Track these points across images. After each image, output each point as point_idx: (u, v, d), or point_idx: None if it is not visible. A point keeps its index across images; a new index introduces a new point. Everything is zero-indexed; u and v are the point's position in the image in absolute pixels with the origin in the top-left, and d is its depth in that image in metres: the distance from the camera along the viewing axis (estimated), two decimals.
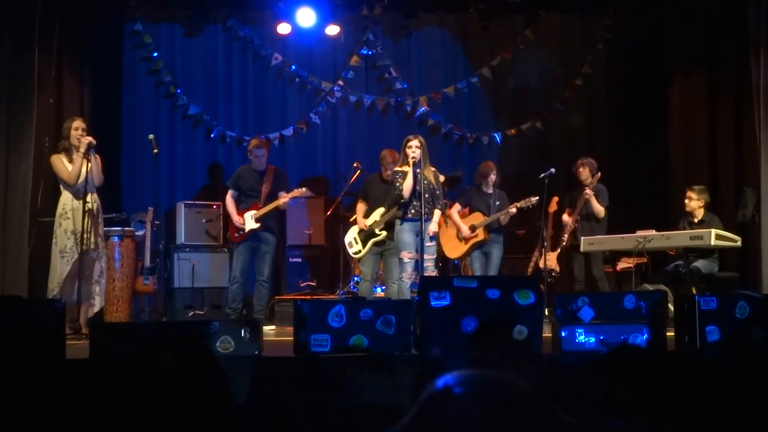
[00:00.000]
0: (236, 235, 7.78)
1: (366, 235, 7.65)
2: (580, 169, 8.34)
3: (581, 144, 9.87)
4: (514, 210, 7.88)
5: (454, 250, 8.14)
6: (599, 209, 8.13)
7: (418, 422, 1.30)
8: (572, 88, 10.01)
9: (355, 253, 7.79)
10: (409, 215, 7.14)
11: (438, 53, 10.08)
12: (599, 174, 8.15)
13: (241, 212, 7.75)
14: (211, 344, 4.46)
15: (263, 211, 7.69)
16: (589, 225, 8.22)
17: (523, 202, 7.94)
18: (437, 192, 7.29)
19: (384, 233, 7.58)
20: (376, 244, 7.62)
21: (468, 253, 8.11)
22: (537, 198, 7.95)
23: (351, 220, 8.34)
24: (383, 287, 7.99)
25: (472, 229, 7.98)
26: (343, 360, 4.40)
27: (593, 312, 5.00)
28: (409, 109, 9.92)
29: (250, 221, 7.68)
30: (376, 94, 9.90)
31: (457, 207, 8.16)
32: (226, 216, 8.15)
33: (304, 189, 8.14)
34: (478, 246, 8.05)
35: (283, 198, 7.76)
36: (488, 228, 8.00)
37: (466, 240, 8.01)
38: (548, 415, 1.29)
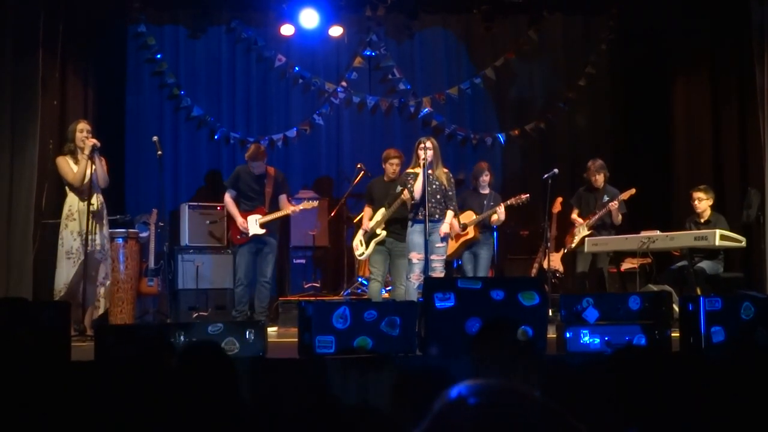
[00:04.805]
0: (238, 237, 7.69)
1: (369, 236, 7.64)
2: (598, 175, 8.21)
3: (585, 144, 9.87)
4: (501, 209, 7.77)
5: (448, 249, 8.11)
6: (619, 219, 8.07)
7: None
8: (576, 88, 10.01)
9: (360, 255, 7.78)
10: (420, 216, 7.13)
11: (441, 54, 10.08)
12: (633, 190, 7.98)
13: (243, 214, 7.66)
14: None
15: (270, 218, 7.63)
16: (606, 232, 8.14)
17: (513, 199, 7.87)
18: (449, 193, 7.28)
19: (384, 233, 7.53)
20: (378, 243, 7.59)
21: (458, 252, 8.05)
22: (527, 195, 7.88)
23: (355, 221, 8.33)
24: (388, 288, 7.98)
25: (463, 227, 7.94)
26: (348, 361, 4.40)
27: (598, 313, 5.00)
28: (412, 110, 9.93)
29: (254, 226, 7.58)
30: (379, 95, 9.90)
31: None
32: (229, 216, 8.03)
33: (316, 203, 8.16)
34: (468, 246, 7.99)
35: (293, 208, 7.74)
36: (479, 227, 7.95)
37: (456, 238, 7.98)
38: (563, 426, 1.28)
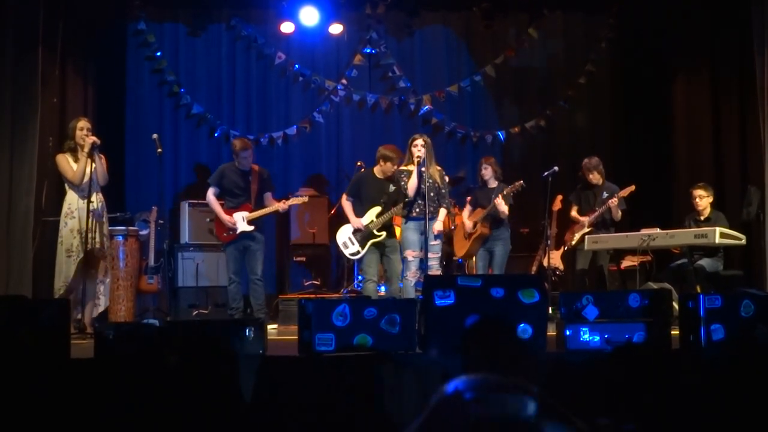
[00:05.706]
0: (225, 234, 7.57)
1: (363, 236, 7.37)
2: (592, 174, 8.22)
3: (585, 142, 9.86)
4: (500, 199, 7.67)
5: (461, 248, 8.12)
6: (619, 215, 8.05)
7: (428, 427, 1.30)
8: (576, 86, 10.01)
9: (352, 254, 7.49)
10: (414, 214, 7.13)
11: (441, 52, 10.07)
12: (633, 187, 7.96)
13: (229, 211, 7.55)
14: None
15: (259, 214, 7.54)
16: (606, 229, 8.13)
17: (508, 188, 7.81)
18: (443, 191, 7.28)
19: (383, 233, 7.34)
20: (374, 244, 7.40)
21: (473, 250, 8.03)
22: (521, 182, 7.80)
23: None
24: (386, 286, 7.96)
25: (474, 225, 7.95)
26: (348, 359, 4.40)
27: (598, 310, 4.99)
28: (412, 107, 9.93)
29: (242, 223, 7.47)
30: (379, 92, 9.90)
31: (468, 209, 8.13)
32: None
33: (306, 197, 8.04)
34: (483, 243, 7.97)
35: (281, 205, 7.62)
36: (489, 223, 7.90)
37: (468, 237, 7.98)
38: (560, 421, 1.28)
